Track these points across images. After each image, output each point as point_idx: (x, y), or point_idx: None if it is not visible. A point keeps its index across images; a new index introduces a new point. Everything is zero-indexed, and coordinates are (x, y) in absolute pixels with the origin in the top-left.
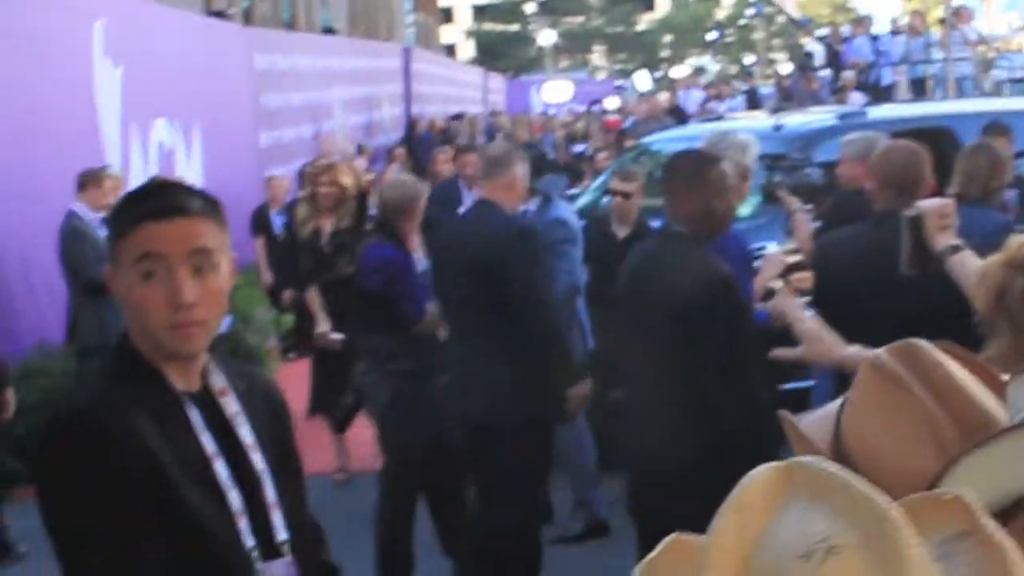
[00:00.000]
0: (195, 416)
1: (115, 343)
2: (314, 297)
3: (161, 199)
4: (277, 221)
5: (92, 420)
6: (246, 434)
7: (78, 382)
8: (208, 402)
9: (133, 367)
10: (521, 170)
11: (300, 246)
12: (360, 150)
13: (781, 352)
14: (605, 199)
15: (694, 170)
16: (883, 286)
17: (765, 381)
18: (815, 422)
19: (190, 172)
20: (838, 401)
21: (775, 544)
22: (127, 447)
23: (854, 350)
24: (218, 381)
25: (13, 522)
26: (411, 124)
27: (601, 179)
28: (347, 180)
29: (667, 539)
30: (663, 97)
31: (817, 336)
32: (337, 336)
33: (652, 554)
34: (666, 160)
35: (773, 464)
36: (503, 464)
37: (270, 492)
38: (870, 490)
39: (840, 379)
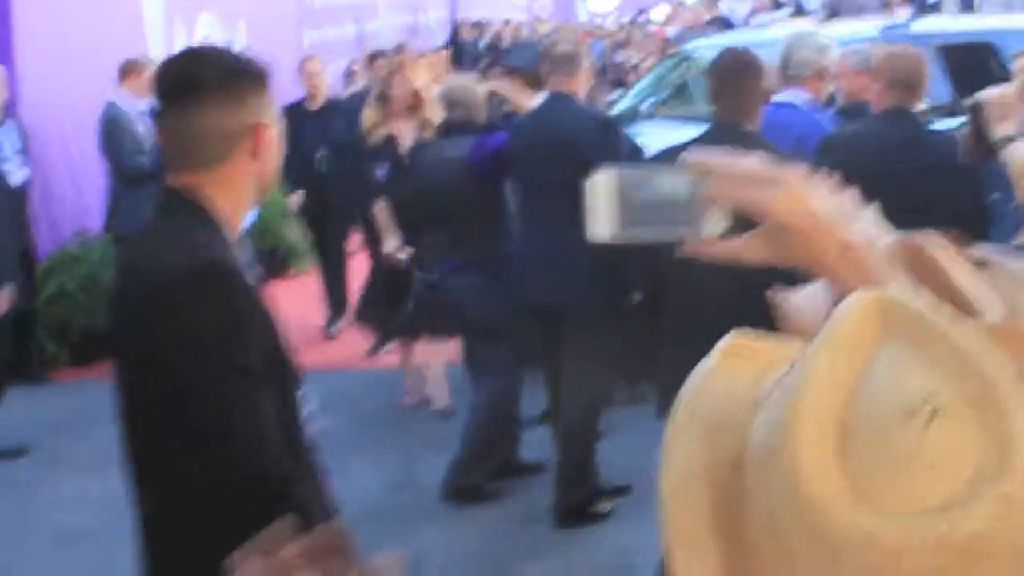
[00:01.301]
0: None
1: (186, 211)
2: (383, 210)
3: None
4: None
5: (228, 271)
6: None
7: (160, 235)
8: None
9: (218, 233)
10: (589, 65)
11: (370, 154)
12: (401, 51)
13: None
14: (645, 104)
15: (751, 62)
16: (892, 179)
17: None
18: (806, 298)
19: None
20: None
21: (873, 392)
22: (255, 298)
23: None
24: None
25: (54, 403)
26: (456, 28)
27: (640, 86)
28: (420, 81)
29: (724, 342)
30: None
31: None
32: (404, 253)
33: (708, 361)
34: (715, 59)
35: (867, 295)
36: (576, 348)
37: None
38: (977, 346)
39: None
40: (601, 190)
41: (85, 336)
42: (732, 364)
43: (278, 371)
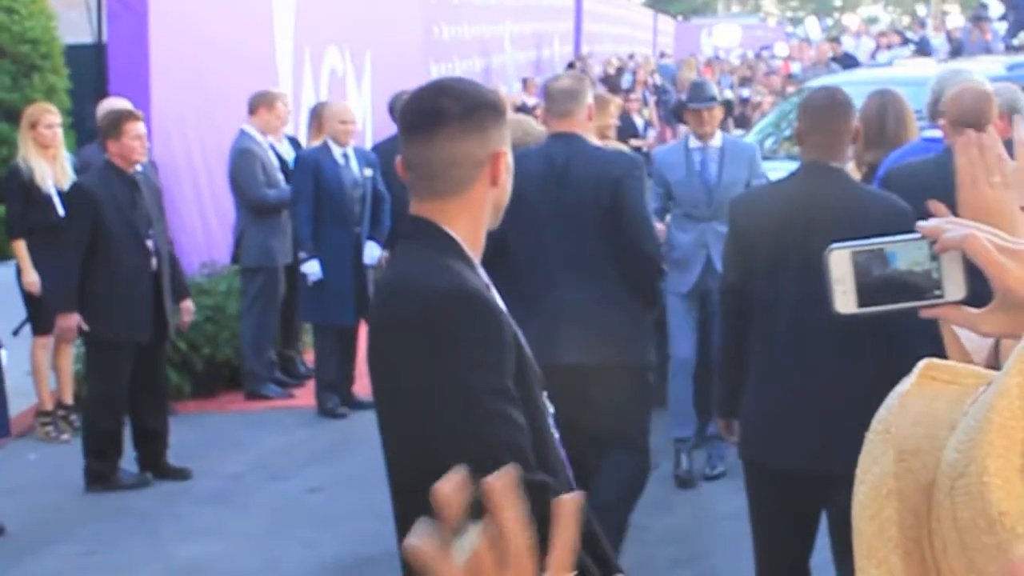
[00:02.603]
0: None
1: (434, 237)
2: None
3: None
4: None
5: (477, 294)
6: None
7: (410, 263)
8: None
9: (464, 257)
10: (590, 104)
11: None
12: (525, 84)
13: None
14: (768, 142)
15: (842, 101)
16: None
17: None
18: (975, 337)
19: (360, 100)
20: None
21: None
22: (501, 317)
23: None
24: None
25: (177, 436)
26: (570, 65)
27: (762, 123)
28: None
29: (921, 364)
30: (832, 44)
31: None
32: None
33: (906, 383)
34: (807, 97)
35: None
36: (627, 407)
37: None
38: None
39: None
40: (837, 268)
41: (209, 367)
42: (930, 386)
43: (527, 388)
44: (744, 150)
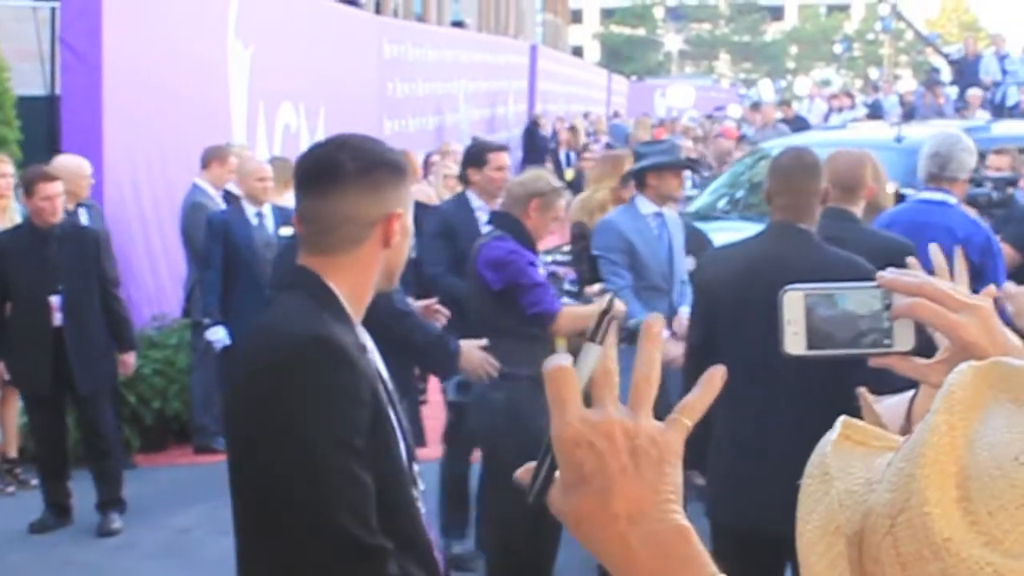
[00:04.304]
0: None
1: (314, 289)
2: None
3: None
4: None
5: (336, 344)
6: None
7: (283, 310)
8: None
9: (341, 312)
10: None
11: None
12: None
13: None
14: (722, 202)
15: (812, 162)
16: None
17: None
18: (893, 405)
19: None
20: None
21: (988, 445)
22: (360, 372)
23: None
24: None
25: (126, 489)
26: (534, 121)
27: (716, 183)
28: None
29: (840, 421)
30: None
31: None
32: None
33: (832, 434)
34: (776, 158)
35: (974, 364)
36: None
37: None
38: None
39: None
40: (790, 309)
41: (159, 420)
42: (844, 444)
43: (384, 450)
44: (678, 218)
